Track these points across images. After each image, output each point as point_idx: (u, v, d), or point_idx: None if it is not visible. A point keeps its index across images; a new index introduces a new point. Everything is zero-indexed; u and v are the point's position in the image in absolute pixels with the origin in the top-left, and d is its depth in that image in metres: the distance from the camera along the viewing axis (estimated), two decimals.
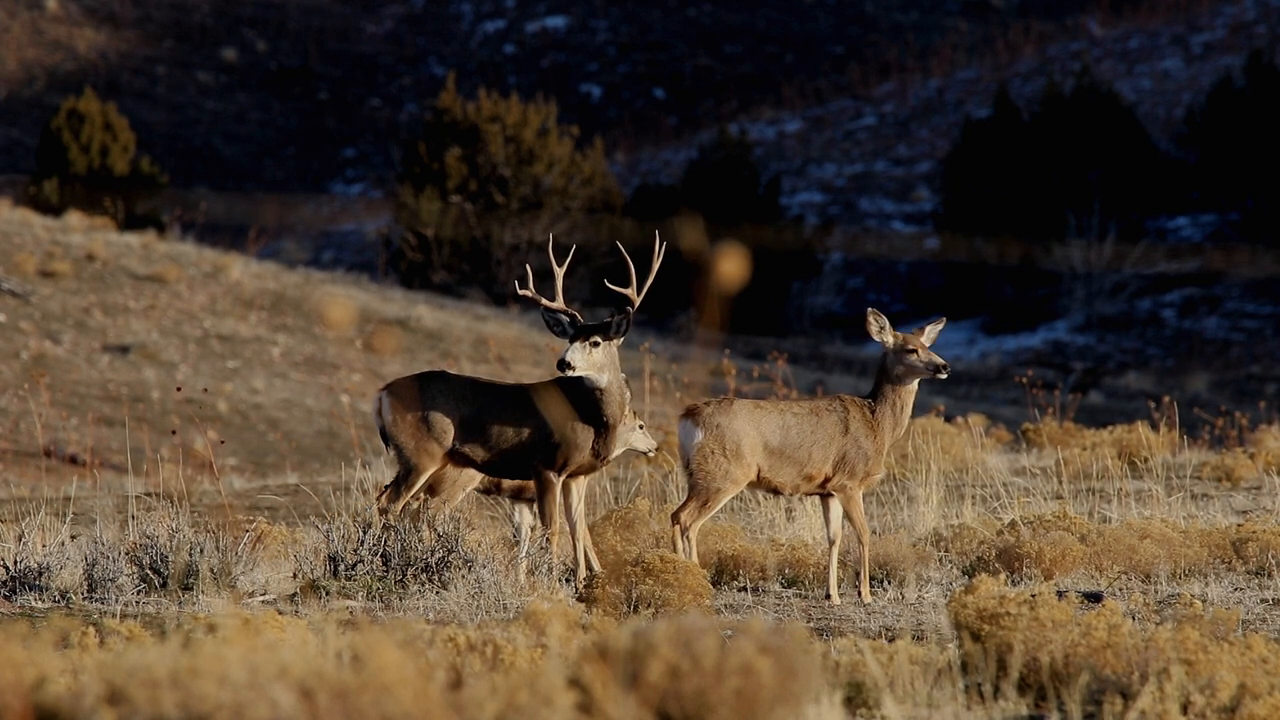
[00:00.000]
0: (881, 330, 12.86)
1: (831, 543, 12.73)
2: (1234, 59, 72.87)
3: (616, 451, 13.07)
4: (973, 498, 15.97)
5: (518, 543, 12.95)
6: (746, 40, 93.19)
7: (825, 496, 12.78)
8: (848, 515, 12.74)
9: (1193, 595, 12.16)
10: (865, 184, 72.54)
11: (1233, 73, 64.84)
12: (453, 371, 12.51)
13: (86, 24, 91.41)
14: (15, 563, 11.97)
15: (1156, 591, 12.71)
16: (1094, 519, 15.18)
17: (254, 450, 33.72)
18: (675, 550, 12.43)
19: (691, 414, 12.60)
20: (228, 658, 6.85)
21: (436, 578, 11.96)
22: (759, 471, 12.61)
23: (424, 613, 11.42)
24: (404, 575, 11.99)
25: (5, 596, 11.85)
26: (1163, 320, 59.64)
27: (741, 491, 13.20)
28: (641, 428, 13.03)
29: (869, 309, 12.89)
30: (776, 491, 12.74)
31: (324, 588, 11.90)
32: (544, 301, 12.45)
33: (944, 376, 12.81)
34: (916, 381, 12.82)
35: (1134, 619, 10.54)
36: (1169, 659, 8.48)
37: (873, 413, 12.77)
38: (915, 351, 12.80)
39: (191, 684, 6.81)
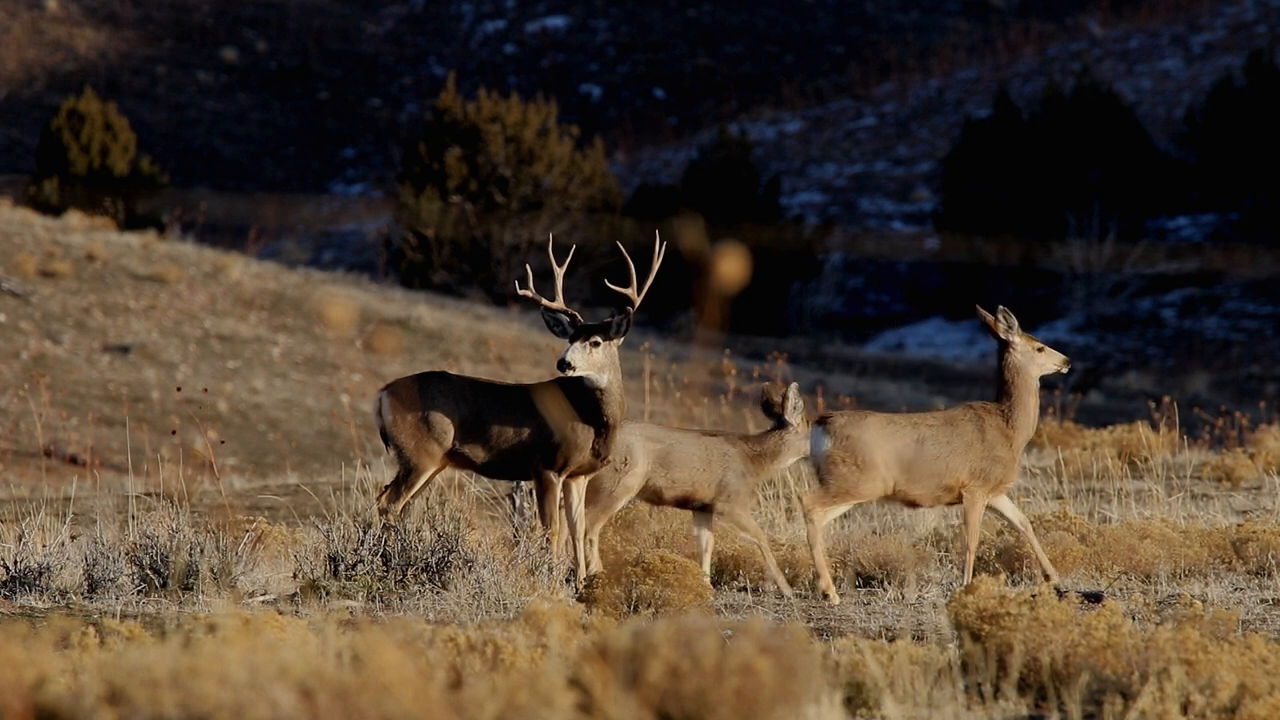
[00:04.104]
0: (1010, 330, 12.70)
1: (1020, 529, 12.72)
2: (1234, 59, 72.83)
3: (788, 461, 13.00)
4: None
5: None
6: (746, 40, 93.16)
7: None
8: (965, 518, 12.65)
9: (1193, 595, 12.16)
10: (865, 184, 72.51)
11: (1233, 73, 64.81)
12: (453, 372, 12.51)
13: (86, 24, 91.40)
14: (15, 563, 11.96)
15: (1156, 591, 12.71)
16: (1094, 519, 15.17)
17: (254, 450, 33.71)
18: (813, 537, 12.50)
19: (824, 422, 12.55)
20: (228, 658, 6.85)
21: (436, 578, 11.96)
22: (894, 485, 12.52)
23: (424, 613, 11.42)
24: (404, 575, 11.98)
25: (5, 596, 11.84)
26: (1163, 320, 59.63)
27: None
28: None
29: (999, 307, 12.71)
30: (914, 505, 12.65)
31: (324, 588, 11.90)
32: (544, 301, 12.44)
33: (1066, 370, 12.62)
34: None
35: (1134, 619, 10.54)
36: (1169, 659, 8.48)
37: (1007, 419, 12.66)
38: (1044, 350, 12.68)
39: (192, 684, 6.81)
